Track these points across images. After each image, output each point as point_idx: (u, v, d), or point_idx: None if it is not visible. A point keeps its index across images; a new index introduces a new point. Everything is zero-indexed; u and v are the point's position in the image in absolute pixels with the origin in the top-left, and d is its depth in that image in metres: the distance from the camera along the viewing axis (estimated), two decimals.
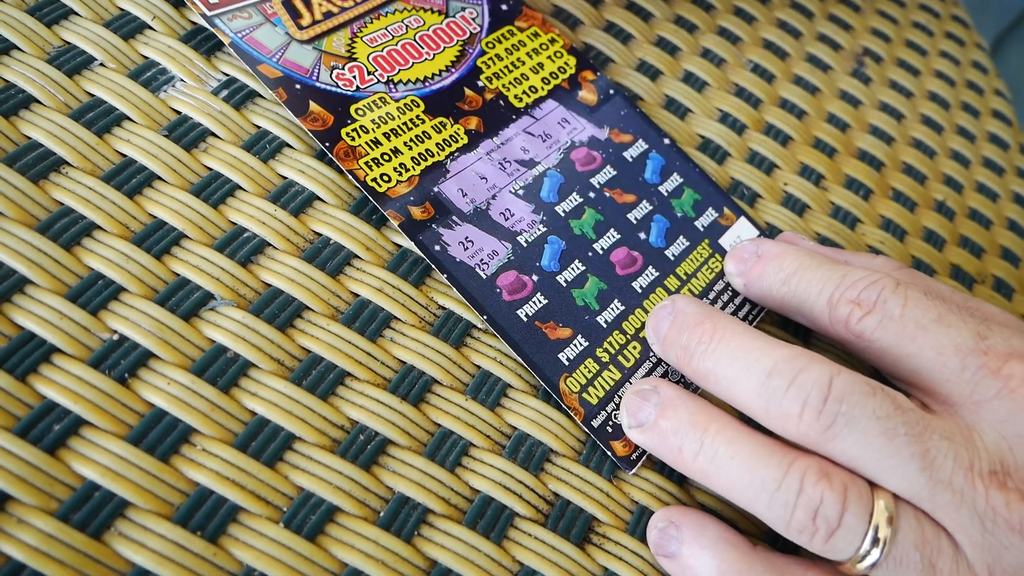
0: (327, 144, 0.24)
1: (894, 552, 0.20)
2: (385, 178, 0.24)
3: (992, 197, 0.36)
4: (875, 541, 0.19)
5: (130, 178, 0.22)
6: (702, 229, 0.28)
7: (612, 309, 0.25)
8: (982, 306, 0.25)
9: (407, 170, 0.24)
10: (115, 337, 0.20)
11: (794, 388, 0.20)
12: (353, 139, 0.24)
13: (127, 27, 0.24)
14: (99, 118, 0.22)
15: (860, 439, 0.20)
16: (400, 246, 0.24)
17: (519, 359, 0.23)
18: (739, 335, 0.22)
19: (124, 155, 0.22)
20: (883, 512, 0.20)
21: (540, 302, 0.24)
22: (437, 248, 0.24)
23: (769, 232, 0.30)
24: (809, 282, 0.24)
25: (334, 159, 0.24)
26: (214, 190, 0.23)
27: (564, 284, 0.25)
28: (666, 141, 0.29)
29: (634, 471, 0.23)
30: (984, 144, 0.38)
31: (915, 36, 0.40)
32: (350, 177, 0.24)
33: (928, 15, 0.42)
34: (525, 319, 0.24)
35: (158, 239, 0.21)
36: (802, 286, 0.24)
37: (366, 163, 0.24)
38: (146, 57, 0.24)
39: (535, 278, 0.24)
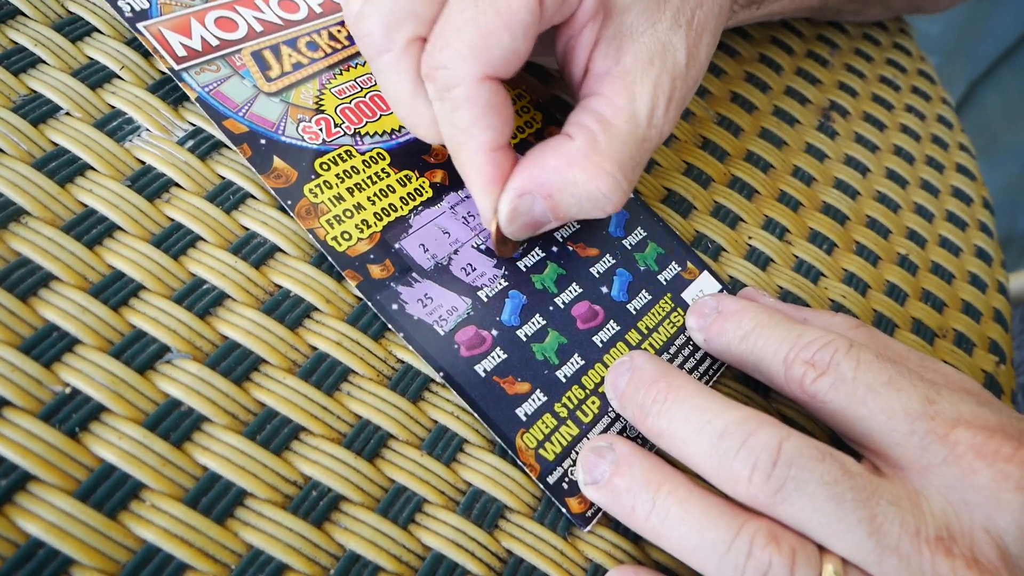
0: (288, 202, 0.24)
1: None
2: (346, 236, 0.24)
3: (954, 251, 0.37)
4: None
5: (90, 228, 0.22)
6: (664, 283, 0.28)
7: (572, 364, 0.25)
8: (938, 366, 0.25)
9: (369, 226, 0.25)
10: (67, 390, 0.20)
11: (744, 451, 0.20)
12: (316, 195, 0.24)
13: (95, 76, 0.24)
14: (62, 167, 0.22)
15: (808, 503, 0.20)
16: (361, 298, 0.24)
17: (476, 414, 0.23)
18: (693, 395, 0.22)
19: (85, 205, 0.22)
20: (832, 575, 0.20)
21: (499, 357, 0.24)
22: (394, 307, 0.24)
23: (732, 286, 0.30)
24: (766, 341, 0.24)
25: (295, 218, 0.24)
26: (175, 241, 0.23)
27: (524, 339, 0.25)
28: (631, 195, 0.30)
29: (589, 528, 0.23)
30: (947, 198, 0.38)
31: (882, 91, 0.41)
32: (310, 236, 0.24)
33: (895, 70, 0.43)
34: (483, 374, 0.24)
35: (116, 290, 0.21)
36: (759, 344, 0.24)
37: (327, 221, 0.24)
38: (113, 107, 0.24)
39: (495, 333, 0.25)
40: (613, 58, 0.23)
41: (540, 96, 0.31)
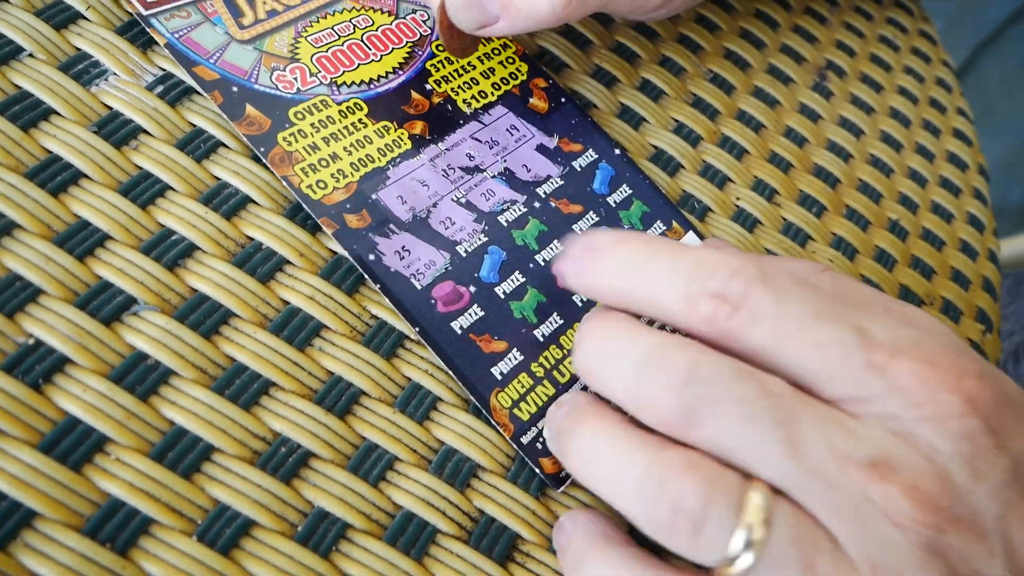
0: (262, 149, 0.23)
1: (769, 552, 0.18)
2: (321, 184, 0.24)
3: (947, 217, 0.36)
4: (748, 544, 0.18)
5: (55, 175, 0.21)
6: None
7: (550, 323, 0.25)
8: (905, 308, 0.22)
9: (345, 176, 0.24)
10: (31, 341, 0.19)
11: (658, 373, 0.19)
12: (290, 144, 0.24)
13: (59, 16, 0.23)
14: (25, 112, 0.22)
15: (722, 425, 0.18)
16: (335, 252, 0.24)
17: (450, 372, 0.23)
18: (618, 325, 0.20)
19: (50, 151, 0.22)
20: (756, 509, 0.18)
21: (476, 314, 0.24)
22: (371, 257, 0.23)
23: None
24: (656, 273, 0.20)
25: (268, 165, 0.23)
26: (143, 190, 0.22)
27: (502, 296, 0.24)
28: (616, 151, 0.29)
29: (562, 489, 0.23)
30: (943, 164, 0.38)
31: (881, 51, 0.40)
32: (284, 183, 0.23)
33: (895, 29, 0.42)
34: (459, 331, 0.23)
35: (81, 240, 0.21)
36: (648, 277, 0.20)
37: (301, 169, 0.23)
38: (78, 49, 0.23)
39: (472, 289, 0.24)
40: None
41: (526, 48, 0.30)
